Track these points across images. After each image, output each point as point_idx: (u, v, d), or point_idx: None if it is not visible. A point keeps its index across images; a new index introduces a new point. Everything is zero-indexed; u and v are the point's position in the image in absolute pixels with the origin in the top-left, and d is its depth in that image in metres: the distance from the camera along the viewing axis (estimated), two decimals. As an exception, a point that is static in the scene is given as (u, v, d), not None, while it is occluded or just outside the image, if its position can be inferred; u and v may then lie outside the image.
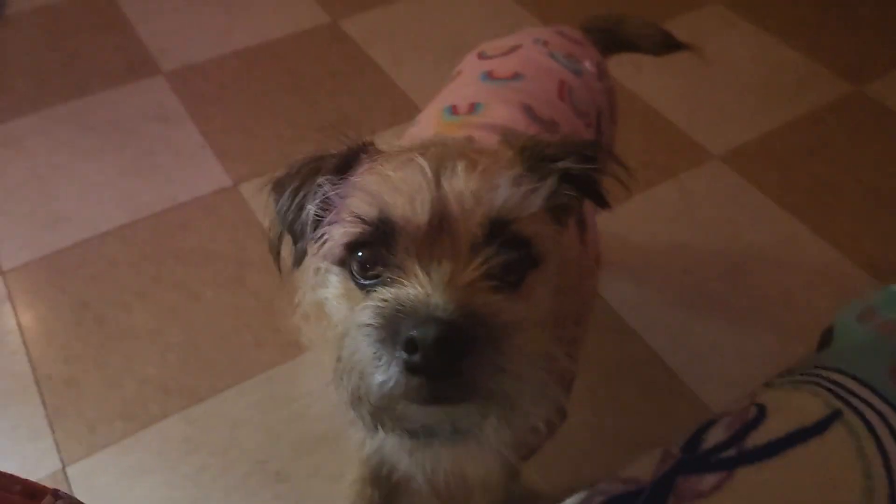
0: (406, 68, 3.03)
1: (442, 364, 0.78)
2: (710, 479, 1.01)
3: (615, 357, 2.08)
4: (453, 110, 1.37)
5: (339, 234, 0.92)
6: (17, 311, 2.19)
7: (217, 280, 2.26)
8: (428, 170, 0.90)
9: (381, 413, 0.88)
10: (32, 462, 1.87)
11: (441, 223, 0.88)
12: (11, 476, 0.94)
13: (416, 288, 0.83)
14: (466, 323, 0.79)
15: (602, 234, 2.36)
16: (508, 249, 0.89)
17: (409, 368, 0.79)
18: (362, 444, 1.27)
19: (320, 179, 0.96)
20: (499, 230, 0.88)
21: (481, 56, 1.57)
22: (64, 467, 1.86)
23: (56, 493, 0.98)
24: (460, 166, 0.91)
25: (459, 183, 0.89)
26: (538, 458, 1.83)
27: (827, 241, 2.36)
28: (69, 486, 1.83)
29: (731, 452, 1.04)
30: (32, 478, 1.67)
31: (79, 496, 1.78)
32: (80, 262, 2.31)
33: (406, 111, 2.77)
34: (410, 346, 0.78)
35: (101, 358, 2.08)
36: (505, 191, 0.89)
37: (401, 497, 1.82)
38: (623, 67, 2.88)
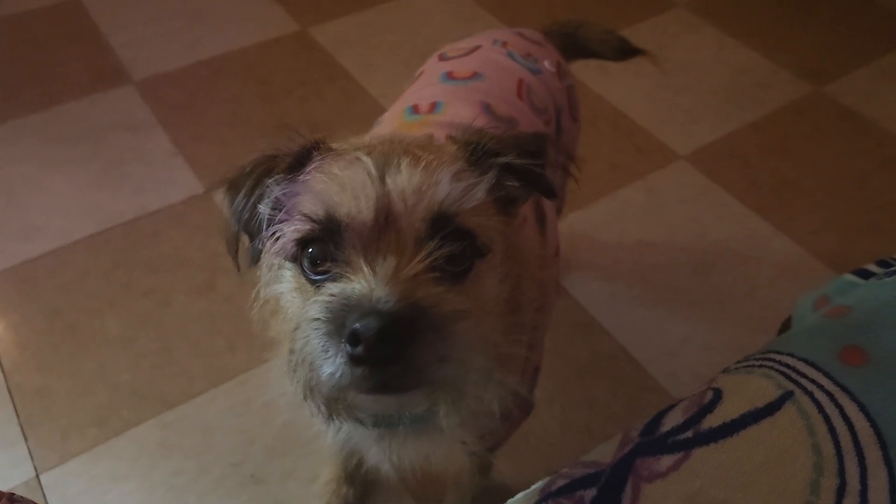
0: (376, 75, 3.06)
1: (384, 354, 0.81)
2: (667, 460, 1.04)
3: (585, 353, 2.11)
4: (415, 110, 1.40)
5: (290, 231, 0.95)
6: (-12, 322, 2.19)
7: (189, 286, 2.27)
8: (372, 168, 0.93)
9: (333, 402, 0.91)
10: (5, 470, 1.86)
11: (387, 219, 0.91)
12: None
13: (361, 283, 0.86)
14: (408, 314, 0.83)
15: (572, 235, 2.41)
16: (452, 242, 0.92)
17: (354, 359, 0.83)
18: (334, 437, 1.29)
19: (273, 179, 0.99)
20: (442, 224, 0.92)
21: (442, 57, 1.61)
22: (38, 475, 1.86)
23: (11, 498, 0.98)
24: (404, 163, 0.94)
25: (402, 180, 0.92)
26: (510, 452, 1.85)
27: (789, 237, 2.41)
28: (43, 493, 1.82)
29: (688, 434, 1.06)
30: (5, 486, 1.67)
31: (53, 503, 1.79)
32: (50, 272, 2.31)
33: (376, 117, 2.79)
34: (354, 338, 0.82)
35: (74, 366, 2.07)
36: (446, 186, 0.92)
37: (375, 495, 1.84)
38: (590, 71, 2.94)
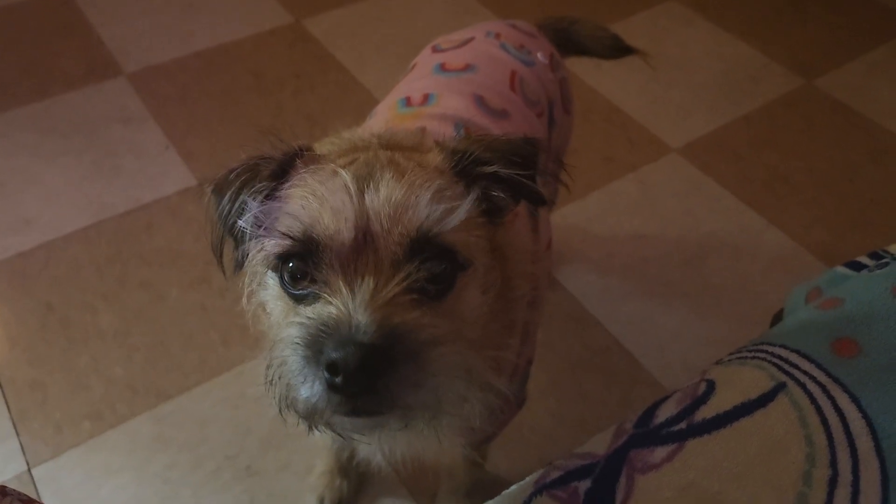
0: (370, 67, 3.05)
1: (360, 385, 0.82)
2: (661, 452, 1.04)
3: (578, 346, 2.12)
4: (407, 102, 1.40)
5: (270, 245, 0.95)
6: (-20, 315, 2.18)
7: (183, 280, 2.26)
8: (351, 185, 0.92)
9: (310, 418, 0.91)
10: (-2, 464, 1.87)
11: (365, 237, 0.90)
12: None
13: (339, 307, 0.86)
14: (384, 344, 0.83)
15: (565, 227, 2.41)
16: (432, 261, 0.91)
17: (331, 387, 0.83)
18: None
19: (253, 190, 0.98)
20: (421, 246, 0.91)
21: (435, 49, 1.61)
22: (30, 469, 1.85)
23: (3, 491, 0.98)
24: (385, 178, 0.93)
25: (382, 198, 0.91)
26: (504, 445, 1.87)
27: (781, 229, 2.42)
28: (35, 487, 1.82)
29: (682, 426, 1.07)
30: (-2, 480, 1.66)
31: (46, 497, 1.78)
32: (43, 265, 2.30)
33: (370, 110, 2.78)
34: (332, 368, 0.82)
35: (67, 360, 2.07)
36: (424, 209, 0.91)
37: (369, 488, 1.84)
38: (583, 64, 2.92)
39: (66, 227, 2.41)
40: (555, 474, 1.08)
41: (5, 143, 2.68)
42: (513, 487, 1.11)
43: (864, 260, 1.40)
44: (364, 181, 0.93)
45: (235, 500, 1.81)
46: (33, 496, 1.79)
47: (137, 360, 2.07)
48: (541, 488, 1.06)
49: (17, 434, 1.92)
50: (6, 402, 1.98)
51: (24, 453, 1.88)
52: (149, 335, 2.13)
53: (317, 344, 0.85)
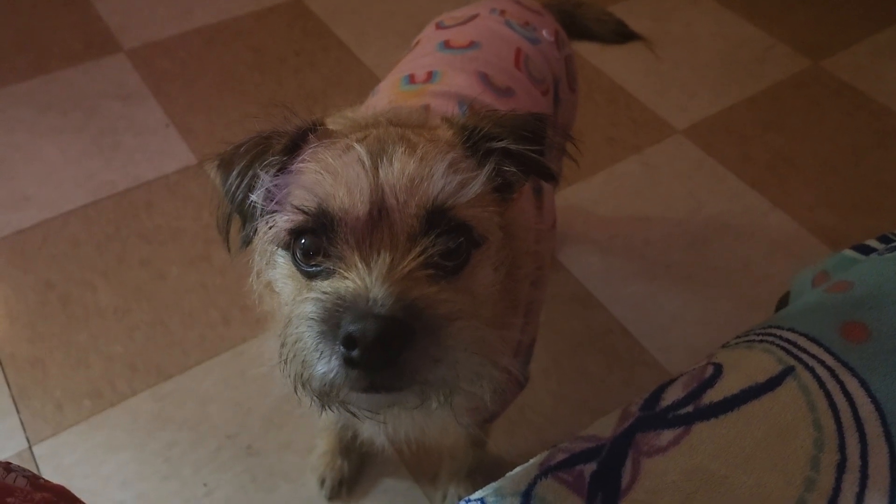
0: (371, 45, 3.01)
1: (380, 358, 0.80)
2: (668, 435, 1.04)
3: (580, 328, 2.11)
4: (411, 79, 1.38)
5: (282, 221, 0.93)
6: (-21, 293, 2.17)
7: (183, 258, 2.25)
8: (366, 158, 0.91)
9: (324, 397, 0.90)
10: (-2, 442, 1.86)
11: (380, 212, 0.88)
12: None
13: (356, 281, 0.84)
14: (404, 317, 0.81)
15: (569, 208, 2.39)
16: (448, 236, 0.90)
17: (349, 362, 0.81)
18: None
19: (266, 163, 0.96)
20: (437, 219, 0.89)
21: (439, 26, 1.58)
22: (30, 446, 1.85)
23: (7, 467, 0.97)
24: (398, 153, 0.91)
25: (396, 172, 0.89)
26: (505, 426, 1.86)
27: (785, 212, 2.40)
28: (36, 464, 1.82)
29: (689, 409, 1.06)
30: (-2, 456, 1.65)
31: (46, 474, 1.77)
32: (42, 243, 2.28)
33: (371, 88, 2.75)
34: (350, 341, 0.80)
35: (67, 337, 2.06)
36: (440, 181, 0.89)
37: (370, 468, 1.84)
38: (588, 44, 2.89)
39: (64, 205, 2.39)
40: (560, 457, 1.07)
41: (3, 119, 2.65)
42: (517, 469, 1.10)
43: (873, 243, 1.39)
44: (377, 156, 0.91)
45: (236, 478, 1.81)
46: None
47: (137, 338, 2.06)
48: (546, 471, 1.05)
49: (18, 411, 1.91)
50: (6, 380, 1.97)
51: (24, 430, 1.88)
52: (149, 313, 2.12)
53: (333, 318, 0.83)
